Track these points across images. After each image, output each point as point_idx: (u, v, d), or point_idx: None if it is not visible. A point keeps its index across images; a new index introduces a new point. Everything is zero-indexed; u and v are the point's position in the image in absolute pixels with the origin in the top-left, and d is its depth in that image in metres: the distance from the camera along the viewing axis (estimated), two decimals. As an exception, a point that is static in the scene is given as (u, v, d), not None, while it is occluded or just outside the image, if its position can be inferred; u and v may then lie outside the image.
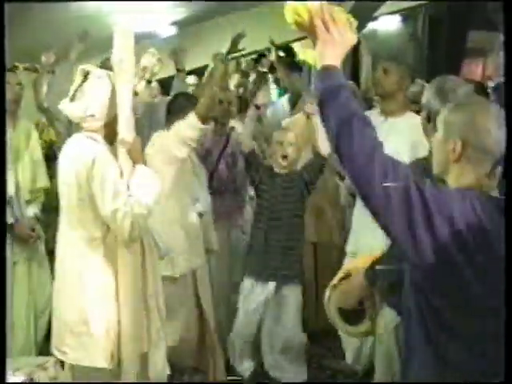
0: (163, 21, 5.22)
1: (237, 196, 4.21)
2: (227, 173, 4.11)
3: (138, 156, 2.81)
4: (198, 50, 3.94)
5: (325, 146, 3.49)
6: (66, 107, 2.82)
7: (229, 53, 3.99)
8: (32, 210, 3.89)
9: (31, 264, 3.93)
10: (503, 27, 1.76)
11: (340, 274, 2.60)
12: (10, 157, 3.62)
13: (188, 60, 4.08)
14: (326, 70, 1.70)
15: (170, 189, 3.21)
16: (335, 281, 2.57)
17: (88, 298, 2.77)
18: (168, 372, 3.02)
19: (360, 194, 1.67)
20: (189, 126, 3.10)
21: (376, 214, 1.65)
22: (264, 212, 3.72)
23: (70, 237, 2.80)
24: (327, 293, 2.61)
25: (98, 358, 2.78)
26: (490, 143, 1.74)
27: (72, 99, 2.80)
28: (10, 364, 3.19)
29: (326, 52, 1.70)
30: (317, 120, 3.58)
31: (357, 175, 1.64)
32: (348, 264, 2.76)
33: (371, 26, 6.68)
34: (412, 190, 1.61)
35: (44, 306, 3.95)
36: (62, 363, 3.04)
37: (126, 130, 2.74)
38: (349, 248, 3.64)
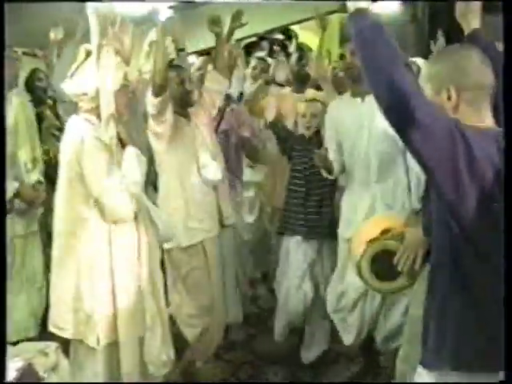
0: (161, 5, 5.18)
1: (229, 174, 4.20)
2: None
3: (126, 137, 2.86)
4: (197, 34, 3.91)
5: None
6: (66, 84, 2.85)
7: (232, 29, 3.97)
8: (35, 176, 3.90)
9: (27, 238, 3.95)
10: (503, 27, 1.76)
11: (377, 230, 2.65)
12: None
13: (188, 43, 4.04)
14: (360, 13, 1.75)
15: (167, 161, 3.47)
16: (372, 236, 2.62)
17: (83, 277, 2.81)
18: (164, 358, 3.02)
19: (403, 134, 1.68)
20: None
21: (418, 154, 1.67)
22: (299, 175, 3.91)
23: (64, 215, 2.84)
24: (361, 249, 2.65)
25: (91, 337, 2.82)
26: (484, 80, 1.77)
27: (71, 76, 2.83)
28: (10, 350, 3.22)
29: None
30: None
31: (398, 111, 1.65)
32: (366, 233, 2.75)
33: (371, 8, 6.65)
34: (454, 128, 1.64)
35: (34, 279, 4.00)
36: (63, 349, 3.05)
37: (107, 113, 2.76)
38: (345, 234, 3.63)
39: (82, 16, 3.58)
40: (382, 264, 2.64)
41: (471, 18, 2.13)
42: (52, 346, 3.08)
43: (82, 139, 2.73)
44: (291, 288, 3.87)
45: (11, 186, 3.67)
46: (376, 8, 5.95)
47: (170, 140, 3.50)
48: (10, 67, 3.80)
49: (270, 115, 4.01)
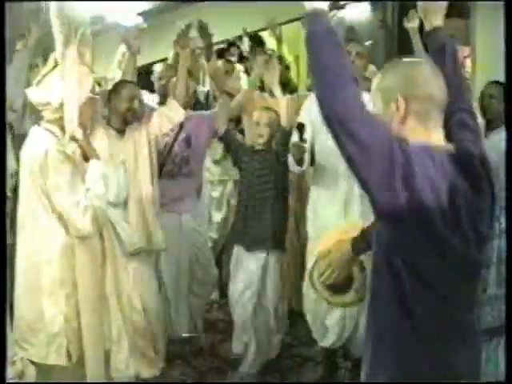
0: (130, 11, 5.18)
1: (190, 181, 4.21)
2: (181, 156, 4.11)
3: (89, 150, 2.84)
4: (164, 41, 3.90)
5: (284, 119, 3.80)
6: (31, 92, 2.81)
7: (183, 47, 3.95)
8: None
9: None
10: (503, 27, 1.76)
11: (330, 242, 2.66)
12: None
13: (153, 51, 4.04)
14: (314, 14, 1.70)
15: None
16: (319, 250, 2.63)
17: (44, 295, 2.77)
18: (132, 372, 3.01)
19: (339, 143, 1.64)
20: None
21: (353, 165, 1.63)
22: (244, 187, 3.92)
23: (26, 230, 2.81)
24: (312, 261, 2.66)
25: (54, 355, 2.78)
26: (433, 91, 1.73)
27: (37, 84, 2.79)
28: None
29: None
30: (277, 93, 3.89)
31: (336, 121, 1.62)
32: (324, 242, 2.78)
33: (341, 13, 6.68)
34: (395, 145, 1.60)
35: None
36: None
37: (71, 125, 2.74)
38: (311, 232, 3.68)
39: (35, 22, 3.56)
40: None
41: (433, 17, 2.13)
42: (19, 355, 3.07)
43: (45, 151, 2.68)
44: (236, 298, 3.88)
45: None
46: (346, 13, 6.05)
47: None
48: None
49: (222, 127, 3.94)
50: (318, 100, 1.67)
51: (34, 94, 2.80)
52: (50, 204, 2.72)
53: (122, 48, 4.78)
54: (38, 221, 2.77)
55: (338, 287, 2.65)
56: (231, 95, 4.13)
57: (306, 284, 3.66)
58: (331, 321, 3.60)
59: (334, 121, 1.62)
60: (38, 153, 2.70)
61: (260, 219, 3.84)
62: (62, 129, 2.78)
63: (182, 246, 4.10)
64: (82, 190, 2.73)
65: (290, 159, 3.56)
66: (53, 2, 2.79)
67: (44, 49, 3.61)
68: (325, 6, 1.71)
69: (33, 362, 3.03)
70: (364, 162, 1.60)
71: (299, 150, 3.39)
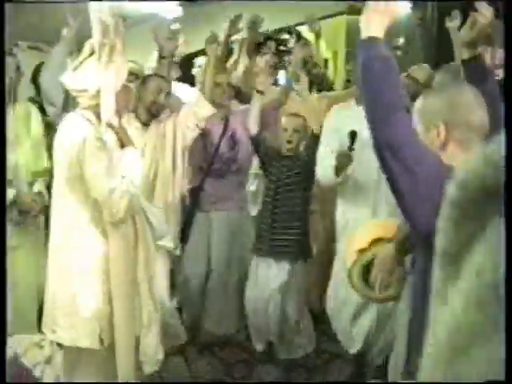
0: (169, 2, 5.20)
1: (238, 178, 4.22)
2: (228, 155, 4.11)
3: (125, 137, 2.85)
4: (204, 32, 3.90)
5: (316, 125, 3.69)
6: (67, 78, 2.81)
7: (229, 35, 3.96)
8: (37, 187, 3.86)
9: (33, 247, 3.92)
10: (503, 27, 1.73)
11: (367, 239, 2.68)
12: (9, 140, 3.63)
13: (195, 42, 4.05)
14: (370, 41, 1.68)
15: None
16: (362, 245, 2.64)
17: (78, 278, 2.79)
18: (161, 357, 3.04)
19: (386, 169, 1.64)
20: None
21: (398, 191, 1.62)
22: (271, 193, 3.85)
23: (61, 216, 2.83)
24: (351, 258, 2.67)
25: (86, 339, 2.80)
26: (475, 119, 1.71)
27: (75, 70, 2.79)
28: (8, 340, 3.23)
29: (372, 21, 1.68)
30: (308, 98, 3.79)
31: (386, 146, 1.61)
32: (359, 239, 2.77)
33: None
34: (443, 176, 1.56)
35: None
36: (58, 342, 3.06)
37: (108, 113, 2.76)
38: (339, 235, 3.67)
39: (73, 15, 3.56)
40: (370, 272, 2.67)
41: (473, 45, 2.09)
42: (47, 338, 3.10)
43: (84, 138, 2.70)
44: (258, 308, 3.85)
45: (9, 194, 3.66)
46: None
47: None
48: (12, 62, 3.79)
49: (253, 128, 3.86)
50: (368, 123, 1.66)
51: (71, 80, 2.81)
52: (84, 190, 2.75)
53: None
54: (71, 207, 2.79)
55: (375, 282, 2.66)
56: (262, 93, 4.11)
57: (330, 289, 3.66)
58: (357, 329, 3.58)
59: (383, 146, 1.61)
60: (76, 139, 2.72)
61: (286, 227, 3.80)
62: (98, 116, 2.79)
63: (231, 244, 4.13)
64: (118, 177, 2.75)
65: (325, 167, 3.47)
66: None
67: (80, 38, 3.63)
68: (381, 33, 1.69)
69: (60, 347, 3.07)
70: (410, 189, 1.59)
71: (347, 159, 3.30)
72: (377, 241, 2.65)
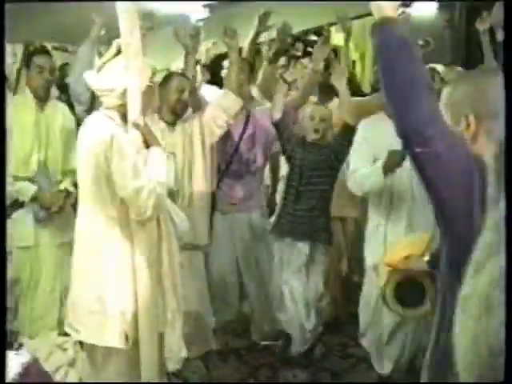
0: (195, 3, 5.18)
1: (256, 178, 4.19)
2: (247, 155, 4.08)
3: (150, 137, 2.83)
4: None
5: (352, 117, 3.62)
6: (91, 77, 2.80)
7: (258, 32, 3.92)
8: (63, 185, 3.87)
9: (57, 246, 3.91)
10: (503, 27, 1.67)
11: (398, 257, 2.64)
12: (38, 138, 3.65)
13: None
14: (383, 23, 1.60)
15: None
16: (394, 263, 2.59)
17: (104, 277, 2.78)
18: (184, 354, 3.01)
19: (415, 158, 1.57)
20: None
21: (428, 180, 1.56)
22: (294, 177, 3.84)
23: (87, 216, 2.82)
24: (384, 279, 2.64)
25: (112, 338, 2.79)
26: (500, 106, 1.60)
27: (99, 70, 2.78)
28: (28, 343, 3.23)
29: (383, 3, 1.62)
30: (344, 92, 3.69)
31: (413, 134, 1.55)
32: (391, 258, 2.73)
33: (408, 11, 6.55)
34: (473, 167, 1.51)
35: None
36: (81, 344, 3.05)
37: (134, 113, 2.74)
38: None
39: (98, 14, 3.54)
40: (405, 291, 2.63)
41: None
42: (70, 340, 3.09)
43: (111, 137, 2.67)
44: (280, 291, 3.87)
45: (31, 190, 3.69)
46: (412, 11, 5.94)
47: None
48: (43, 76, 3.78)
49: (277, 114, 3.80)
50: (391, 108, 1.59)
51: (96, 80, 2.79)
52: (111, 190, 2.73)
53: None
54: (97, 207, 2.77)
55: (409, 301, 2.63)
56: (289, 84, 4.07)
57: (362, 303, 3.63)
58: (389, 350, 3.54)
59: (408, 128, 1.54)
60: (102, 137, 2.69)
61: (309, 210, 3.80)
62: (122, 115, 2.78)
63: (253, 245, 4.12)
64: (144, 176, 2.72)
65: (358, 177, 3.43)
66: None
67: (109, 38, 3.62)
68: (394, 12, 1.61)
69: (83, 349, 3.05)
70: (439, 175, 1.53)
71: (399, 157, 3.20)
72: (407, 258, 2.61)
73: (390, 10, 1.61)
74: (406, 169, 3.11)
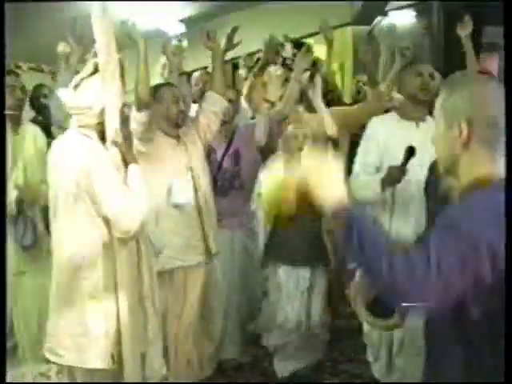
0: (172, 19, 5.15)
1: (242, 194, 4.09)
2: (231, 171, 4.01)
3: (129, 155, 2.76)
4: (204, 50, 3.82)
5: (330, 128, 3.58)
6: (67, 95, 2.73)
7: (226, 50, 3.89)
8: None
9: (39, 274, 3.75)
10: (503, 27, 1.63)
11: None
12: (10, 162, 3.55)
13: (196, 58, 3.97)
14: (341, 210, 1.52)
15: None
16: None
17: (86, 299, 2.70)
18: (164, 371, 2.96)
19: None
20: (132, 120, 3.05)
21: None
22: None
23: (66, 237, 2.73)
24: (353, 285, 2.56)
25: (97, 359, 2.70)
26: (496, 114, 1.55)
27: (75, 88, 2.71)
28: (12, 371, 3.13)
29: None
30: (318, 105, 3.66)
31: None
32: None
33: (385, 20, 6.56)
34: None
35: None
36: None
37: (112, 131, 2.68)
38: None
39: (76, 40, 3.47)
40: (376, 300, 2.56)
41: None
42: (54, 368, 3.00)
43: (94, 156, 2.64)
44: (287, 319, 3.68)
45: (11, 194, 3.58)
46: (390, 18, 5.93)
47: (153, 162, 3.35)
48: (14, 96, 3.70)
49: (261, 138, 3.76)
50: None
51: (72, 98, 2.73)
52: (92, 209, 2.65)
53: (163, 60, 4.78)
54: (79, 226, 2.69)
55: (379, 311, 2.56)
56: (272, 103, 4.02)
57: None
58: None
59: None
60: (85, 157, 2.64)
61: (304, 232, 3.66)
62: (99, 133, 2.72)
63: (234, 263, 4.01)
64: (129, 194, 2.66)
65: (362, 183, 3.32)
66: (95, 9, 2.75)
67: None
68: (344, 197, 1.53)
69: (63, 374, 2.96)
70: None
71: (398, 174, 3.12)
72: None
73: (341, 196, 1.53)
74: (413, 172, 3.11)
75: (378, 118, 3.51)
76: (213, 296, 3.65)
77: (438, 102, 1.66)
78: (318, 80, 3.86)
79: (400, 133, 3.30)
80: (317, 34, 4.92)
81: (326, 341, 3.83)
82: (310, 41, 5.14)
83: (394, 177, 3.15)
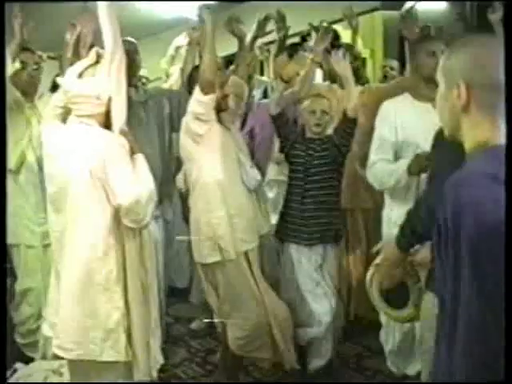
0: (194, 6, 5.06)
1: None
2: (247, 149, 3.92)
3: (133, 144, 2.78)
4: (230, 36, 3.74)
5: (352, 109, 3.47)
6: (70, 82, 2.72)
7: (256, 37, 3.80)
8: None
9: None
10: (503, 27, 1.52)
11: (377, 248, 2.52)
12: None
13: (220, 46, 3.88)
14: None
15: (208, 168, 3.28)
16: (378, 260, 2.45)
17: (98, 291, 2.69)
18: (162, 360, 2.98)
19: None
20: (194, 101, 3.18)
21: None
22: (298, 179, 3.66)
23: (78, 228, 2.72)
24: (370, 272, 2.50)
25: (112, 351, 2.71)
26: (498, 76, 1.46)
27: (80, 76, 2.72)
28: (24, 369, 3.11)
29: None
30: (348, 81, 3.53)
31: None
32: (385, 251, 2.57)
33: (416, 5, 6.39)
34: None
35: None
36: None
37: (120, 120, 2.71)
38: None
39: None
40: (392, 290, 2.49)
41: None
42: (66, 365, 2.97)
43: (108, 145, 2.66)
44: (308, 298, 3.65)
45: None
46: (423, 5, 5.79)
47: (210, 145, 3.34)
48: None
49: (274, 108, 3.63)
50: None
51: (78, 86, 2.72)
52: (107, 198, 2.67)
53: (176, 43, 4.72)
54: (91, 217, 2.70)
55: (396, 300, 2.49)
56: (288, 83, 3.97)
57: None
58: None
59: None
60: (101, 147, 2.66)
61: (318, 210, 3.61)
62: (100, 123, 2.74)
63: None
64: (142, 183, 2.69)
65: (381, 170, 3.25)
66: (101, 2, 2.72)
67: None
68: None
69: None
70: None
71: (425, 162, 2.96)
72: None
73: None
74: None
75: (390, 101, 3.37)
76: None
77: (440, 64, 1.60)
78: (347, 56, 3.75)
79: (415, 115, 3.19)
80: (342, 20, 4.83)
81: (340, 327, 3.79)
82: (337, 27, 4.98)
83: (420, 165, 3.02)
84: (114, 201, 2.64)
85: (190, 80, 3.79)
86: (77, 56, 2.97)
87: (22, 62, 3.75)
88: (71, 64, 2.90)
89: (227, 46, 4.11)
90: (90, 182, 2.64)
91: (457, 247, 1.38)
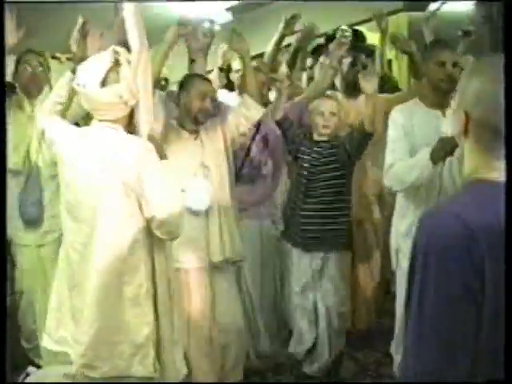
0: (218, 7, 5.04)
1: (270, 183, 4.02)
2: (259, 158, 3.90)
3: (161, 150, 2.67)
4: (255, 37, 3.72)
5: (370, 123, 3.40)
6: (98, 93, 2.54)
7: (283, 36, 3.75)
8: None
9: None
10: (503, 27, 1.46)
11: None
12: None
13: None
14: None
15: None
16: None
17: (128, 305, 2.60)
18: (185, 371, 2.90)
19: None
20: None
21: None
22: (303, 181, 3.61)
23: (106, 240, 2.60)
24: None
25: (140, 367, 2.62)
26: (496, 119, 1.36)
27: (102, 85, 2.54)
28: (36, 372, 3.08)
29: None
30: (372, 93, 3.44)
31: None
32: None
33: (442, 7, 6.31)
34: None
35: None
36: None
37: (148, 125, 2.61)
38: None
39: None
40: None
41: None
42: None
43: (137, 153, 2.54)
44: (294, 301, 3.68)
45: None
46: (449, 7, 5.70)
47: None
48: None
49: (278, 113, 3.58)
50: None
51: (104, 94, 2.54)
52: (140, 209, 2.57)
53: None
54: (122, 230, 2.59)
55: None
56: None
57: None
58: None
59: None
60: (128, 156, 2.54)
61: (321, 217, 3.58)
62: (125, 128, 2.64)
63: (264, 255, 3.89)
64: (174, 193, 2.61)
65: (397, 171, 3.18)
66: (128, 3, 2.65)
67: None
68: None
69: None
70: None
71: (451, 146, 2.84)
72: None
73: None
74: None
75: (401, 106, 3.33)
76: None
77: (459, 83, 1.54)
78: (372, 66, 3.72)
79: (426, 120, 3.17)
80: (369, 20, 4.76)
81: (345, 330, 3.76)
82: (361, 28, 4.93)
83: (445, 149, 2.92)
84: (149, 213, 2.54)
85: None
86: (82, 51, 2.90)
87: (26, 62, 3.76)
88: (80, 60, 2.78)
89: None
90: (123, 193, 2.54)
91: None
